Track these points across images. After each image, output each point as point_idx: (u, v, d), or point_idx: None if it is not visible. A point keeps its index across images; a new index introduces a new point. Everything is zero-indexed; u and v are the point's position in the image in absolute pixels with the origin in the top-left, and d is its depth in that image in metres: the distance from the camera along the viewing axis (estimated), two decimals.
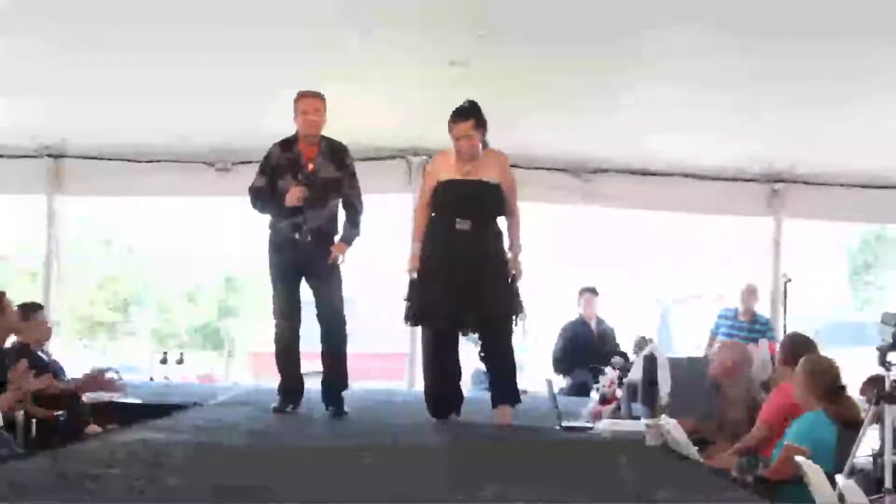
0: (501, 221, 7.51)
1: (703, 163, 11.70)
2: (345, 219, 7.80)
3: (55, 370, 8.65)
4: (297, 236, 7.62)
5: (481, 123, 7.36)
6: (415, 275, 7.43)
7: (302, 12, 8.17)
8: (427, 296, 7.37)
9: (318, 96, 7.65)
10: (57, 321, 11.64)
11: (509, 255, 7.46)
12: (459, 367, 7.63)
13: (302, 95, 7.66)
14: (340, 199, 7.76)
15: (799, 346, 6.82)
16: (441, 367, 7.49)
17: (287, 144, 7.76)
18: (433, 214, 7.48)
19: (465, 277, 7.25)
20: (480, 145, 7.41)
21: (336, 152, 7.76)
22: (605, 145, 11.36)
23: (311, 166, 7.67)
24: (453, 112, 7.36)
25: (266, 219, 7.85)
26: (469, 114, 7.33)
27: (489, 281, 7.30)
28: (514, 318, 7.43)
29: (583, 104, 10.00)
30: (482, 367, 7.87)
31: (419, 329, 7.81)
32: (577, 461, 5.86)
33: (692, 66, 9.06)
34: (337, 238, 7.75)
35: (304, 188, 7.57)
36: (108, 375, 8.41)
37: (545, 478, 4.89)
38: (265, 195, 7.76)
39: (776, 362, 7.33)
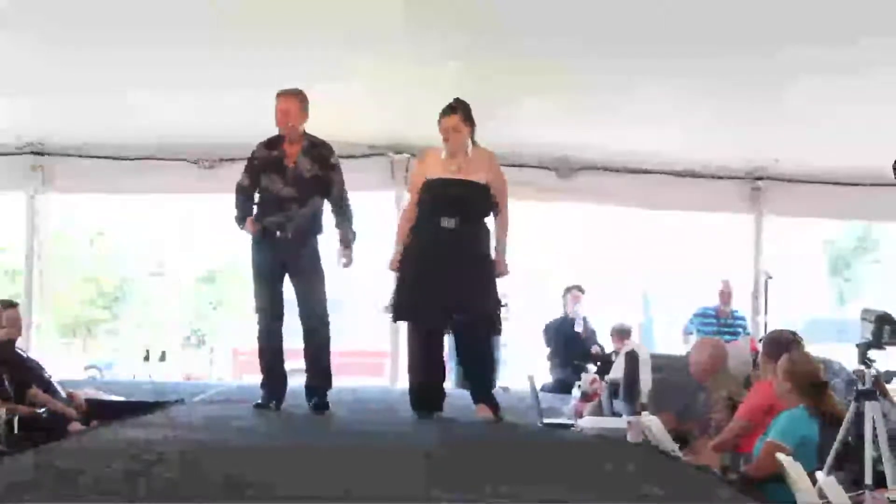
0: (490, 221, 7.52)
1: (685, 160, 11.74)
2: (339, 223, 7.81)
3: (34, 367, 8.68)
4: (278, 234, 7.64)
5: (469, 119, 7.38)
6: (394, 273, 7.50)
7: (285, 10, 8.19)
8: (413, 294, 7.40)
9: (289, 95, 7.66)
10: (38, 324, 11.64)
11: (494, 254, 7.48)
12: (443, 365, 7.67)
13: (277, 95, 7.68)
14: (326, 199, 7.76)
15: (783, 343, 6.84)
16: (426, 365, 7.49)
17: (272, 143, 7.78)
18: (420, 212, 7.49)
19: (449, 276, 7.26)
20: (469, 142, 7.42)
21: (319, 151, 7.77)
22: (587, 143, 11.39)
23: (292, 164, 7.69)
24: (442, 109, 7.39)
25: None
26: (456, 108, 7.36)
27: (471, 281, 7.31)
28: (494, 319, 7.46)
29: (564, 103, 10.03)
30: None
31: (402, 327, 7.82)
32: (558, 458, 5.88)
33: (675, 64, 9.10)
34: (320, 236, 7.78)
35: (259, 224, 7.64)
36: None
37: (526, 475, 4.91)
38: (247, 193, 7.81)
39: (759, 358, 7.34)
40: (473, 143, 7.45)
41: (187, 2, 8.36)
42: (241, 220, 7.79)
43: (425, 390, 7.52)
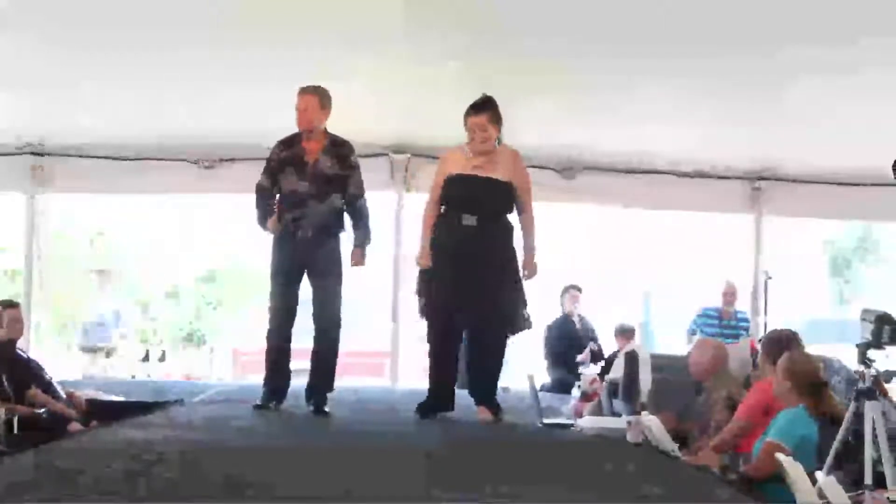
0: (513, 219, 7.47)
1: (685, 160, 11.73)
2: (354, 224, 7.76)
3: (34, 367, 8.69)
4: (299, 233, 7.61)
5: (497, 118, 7.32)
6: (424, 268, 7.44)
7: (285, 10, 8.19)
8: (434, 291, 7.38)
9: (309, 92, 7.62)
10: (38, 324, 11.64)
11: (521, 253, 7.41)
12: (457, 365, 7.60)
13: (297, 92, 7.64)
14: (344, 198, 7.71)
15: (782, 342, 6.84)
16: (436, 365, 7.47)
17: (289, 141, 7.75)
18: (442, 209, 7.47)
19: (464, 274, 7.24)
20: (495, 141, 7.38)
21: (339, 150, 7.74)
22: (587, 143, 11.38)
23: (312, 161, 7.66)
24: (470, 105, 7.32)
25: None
26: (485, 107, 7.30)
27: (487, 279, 7.27)
28: (507, 320, 7.42)
29: (564, 103, 10.03)
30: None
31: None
32: (558, 458, 5.89)
33: (675, 64, 9.10)
34: (342, 235, 7.75)
35: (278, 223, 7.60)
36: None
37: (526, 475, 4.91)
38: (266, 193, 7.77)
39: (759, 358, 7.34)
40: (499, 140, 7.42)
41: (187, 2, 8.37)
42: (262, 219, 7.75)
43: (436, 391, 7.48)
